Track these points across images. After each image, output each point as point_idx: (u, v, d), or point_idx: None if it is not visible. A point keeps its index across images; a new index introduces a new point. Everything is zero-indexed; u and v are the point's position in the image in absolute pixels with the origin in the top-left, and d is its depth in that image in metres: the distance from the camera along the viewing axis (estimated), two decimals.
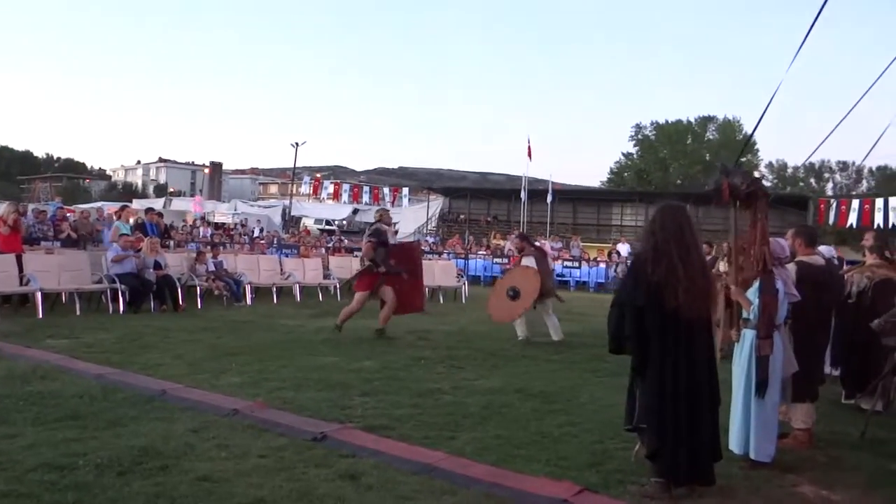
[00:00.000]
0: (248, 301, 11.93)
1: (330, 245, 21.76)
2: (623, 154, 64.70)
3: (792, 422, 4.77)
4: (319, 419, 4.85)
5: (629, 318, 3.63)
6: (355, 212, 47.27)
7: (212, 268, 12.02)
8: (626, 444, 4.50)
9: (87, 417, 4.72)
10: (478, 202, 48.39)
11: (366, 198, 48.81)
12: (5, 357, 6.55)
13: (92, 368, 6.18)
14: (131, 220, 13.19)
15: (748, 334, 4.23)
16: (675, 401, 3.52)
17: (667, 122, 62.09)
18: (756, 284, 4.24)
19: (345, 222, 52.63)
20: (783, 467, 4.28)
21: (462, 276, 15.52)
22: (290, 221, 41.70)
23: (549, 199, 35.58)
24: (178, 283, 10.90)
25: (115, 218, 13.47)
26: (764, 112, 5.13)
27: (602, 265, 20.32)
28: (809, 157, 61.74)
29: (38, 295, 9.33)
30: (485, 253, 21.58)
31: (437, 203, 47.94)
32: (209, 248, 13.17)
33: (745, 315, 4.26)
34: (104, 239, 12.81)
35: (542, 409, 5.44)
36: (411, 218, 43.93)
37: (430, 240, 30.77)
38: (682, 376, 3.51)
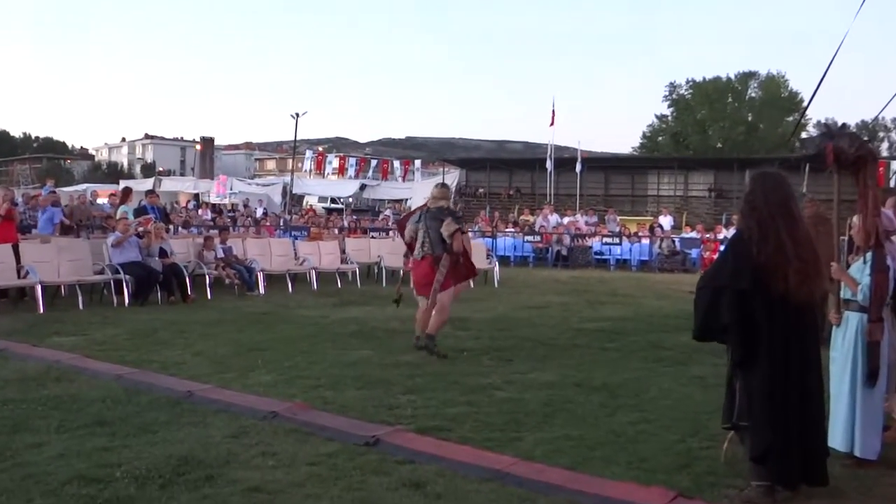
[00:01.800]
0: (261, 290, 11.99)
1: (345, 225, 21.77)
2: (656, 116, 63.81)
3: (894, 413, 4.67)
4: (367, 421, 4.83)
5: (730, 304, 3.51)
6: (363, 188, 47.21)
7: (220, 254, 12.05)
8: (710, 443, 4.44)
9: (114, 423, 4.73)
10: (498, 174, 48.13)
11: (373, 172, 49.07)
12: (14, 358, 6.59)
13: (109, 368, 6.20)
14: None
15: (852, 317, 4.12)
16: (786, 395, 3.43)
17: (704, 79, 61.03)
18: (859, 261, 4.12)
19: (351, 199, 52.81)
20: (890, 464, 4.20)
21: (491, 257, 15.46)
22: (293, 200, 41.75)
23: (577, 168, 35.36)
24: (185, 272, 10.92)
25: (117, 202, 13.48)
26: (827, 69, 4.95)
27: (645, 241, 20.15)
28: (882, 110, 60.20)
29: (38, 288, 9.38)
30: (513, 230, 21.45)
31: (452, 176, 47.70)
32: (218, 232, 13.13)
33: (847, 296, 4.15)
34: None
35: (609, 404, 5.39)
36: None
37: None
38: (792, 367, 3.42)
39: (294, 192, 42.75)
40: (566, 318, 9.82)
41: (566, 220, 23.09)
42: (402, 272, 11.44)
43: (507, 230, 21.64)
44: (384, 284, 13.50)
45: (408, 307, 9.04)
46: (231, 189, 39.59)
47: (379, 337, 7.98)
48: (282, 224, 21.91)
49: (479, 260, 14.65)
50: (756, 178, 3.65)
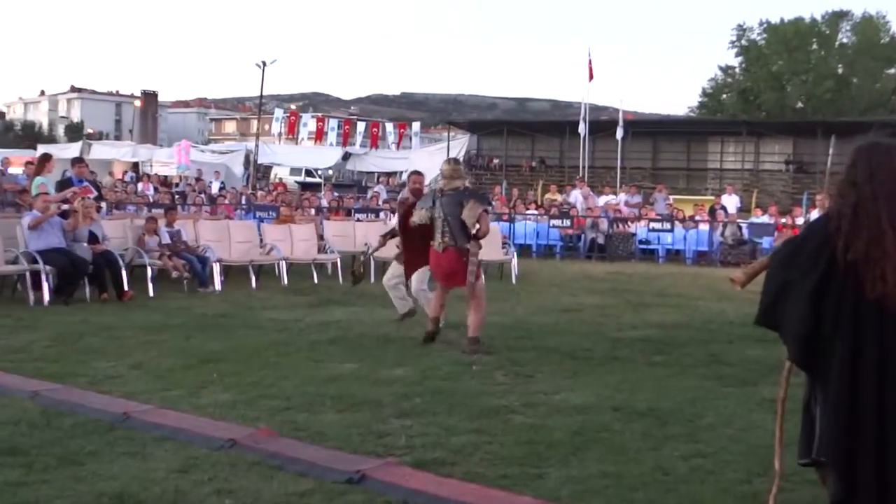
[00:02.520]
0: (218, 285, 12.07)
1: (324, 204, 21.87)
2: (720, 68, 63.63)
3: None
4: (349, 452, 4.85)
5: (797, 305, 3.53)
6: (346, 157, 47.36)
7: (166, 239, 12.10)
8: (782, 483, 4.46)
9: (29, 453, 4.76)
10: (518, 140, 48.35)
11: (360, 137, 49.19)
12: None
13: (23, 384, 6.24)
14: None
15: None
16: (876, 426, 3.43)
17: (782, 21, 60.65)
18: None
19: (332, 172, 53.00)
20: None
21: (508, 246, 15.51)
22: (258, 172, 41.86)
23: (618, 133, 35.41)
24: (121, 262, 10.97)
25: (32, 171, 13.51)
26: None
27: (703, 227, 20.18)
28: None
29: None
30: (536, 213, 21.50)
31: (460, 142, 47.79)
32: (164, 212, 13.21)
33: None
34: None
35: (655, 433, 5.41)
36: (425, 164, 43.73)
37: None
38: (888, 391, 3.42)
39: (259, 161, 42.82)
40: (602, 324, 9.87)
41: (603, 199, 23.18)
42: (367, 252, 11.60)
43: (528, 212, 21.69)
44: (373, 279, 13.54)
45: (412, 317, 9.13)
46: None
47: (366, 346, 8.02)
48: (244, 202, 21.98)
49: (493, 249, 14.76)
50: (863, 149, 3.63)
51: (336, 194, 26.25)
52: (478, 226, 8.04)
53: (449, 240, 8.04)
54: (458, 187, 8.16)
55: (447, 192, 8.14)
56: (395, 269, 9.47)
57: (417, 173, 10.09)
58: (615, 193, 25.91)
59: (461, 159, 48.08)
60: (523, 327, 9.39)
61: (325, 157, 46.53)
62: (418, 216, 8.34)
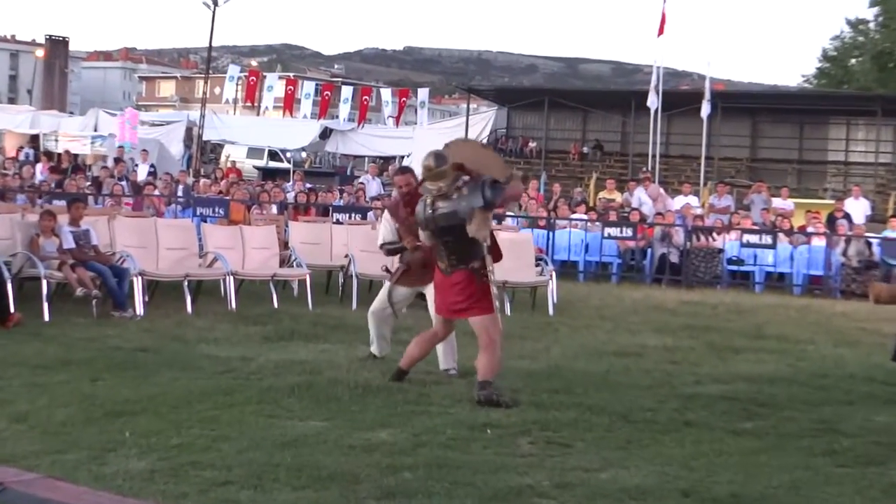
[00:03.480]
0: (140, 307, 12.15)
1: (290, 199, 21.98)
2: (848, 23, 63.48)
3: None
4: None
5: None
6: (326, 134, 47.67)
7: (69, 243, 12.15)
8: None
9: None
10: (563, 116, 48.59)
11: (345, 108, 49.39)
12: None
13: None
14: None
15: None
16: None
17: None
18: None
19: (305, 155, 53.32)
20: None
21: (544, 264, 15.51)
22: (202, 153, 42.09)
23: (704, 110, 35.41)
24: (5, 274, 11.01)
25: None
26: None
27: (818, 242, 20.15)
28: None
29: None
30: (585, 217, 21.54)
31: (483, 118, 48.11)
32: (67, 205, 13.27)
33: None
34: None
35: None
36: (436, 147, 43.43)
37: None
38: None
39: (206, 138, 43.11)
40: (672, 375, 9.88)
41: (680, 201, 23.17)
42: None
43: (574, 217, 21.70)
44: (354, 305, 13.56)
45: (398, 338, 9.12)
46: (96, 131, 39.82)
47: (340, 397, 8.03)
48: (181, 194, 22.05)
49: (522, 266, 14.77)
50: None
51: (309, 186, 26.32)
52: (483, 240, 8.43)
53: (456, 262, 8.34)
54: (450, 194, 8.27)
55: (437, 205, 8.33)
56: (393, 295, 9.51)
57: (405, 171, 9.97)
58: (696, 193, 25.93)
59: (483, 138, 48.35)
60: (561, 376, 9.39)
61: (295, 133, 46.81)
62: (423, 237, 8.71)
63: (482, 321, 8.35)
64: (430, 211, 8.40)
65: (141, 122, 43.70)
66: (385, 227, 9.74)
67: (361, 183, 26.47)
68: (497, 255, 8.78)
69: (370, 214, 19.36)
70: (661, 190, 23.57)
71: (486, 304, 8.38)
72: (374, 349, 9.79)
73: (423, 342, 8.89)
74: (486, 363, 8.23)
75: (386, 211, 10.11)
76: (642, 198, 22.66)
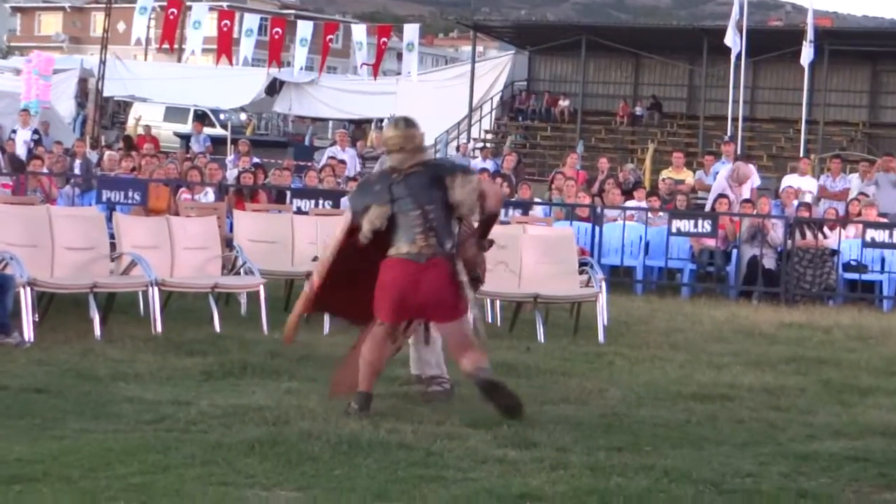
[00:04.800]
0: (29, 331, 12.13)
1: (231, 180, 21.97)
2: None
3: None
4: None
5: None
6: (275, 89, 47.65)
7: None
8: None
9: None
10: (608, 63, 48.57)
11: (302, 51, 49.11)
12: None
13: None
14: None
15: None
16: None
17: None
18: None
19: (247, 117, 53.11)
20: None
21: (591, 271, 15.49)
22: (104, 113, 42.03)
23: (805, 55, 35.38)
24: None
25: None
26: None
27: None
28: None
29: None
30: (643, 206, 21.55)
31: (494, 66, 48.11)
32: None
33: None
34: None
35: None
36: (428, 106, 43.86)
37: (483, 164, 31.05)
38: None
39: (108, 94, 43.07)
40: (776, 426, 9.90)
41: (785, 183, 23.04)
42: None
43: (627, 205, 21.73)
44: (328, 327, 13.55)
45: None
46: None
47: (318, 457, 8.03)
48: (78, 170, 22.03)
49: (562, 275, 14.76)
50: None
51: (254, 161, 26.29)
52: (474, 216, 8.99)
53: (434, 244, 8.79)
54: (424, 161, 8.65)
55: (410, 172, 8.94)
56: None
57: (409, 124, 10.16)
58: (797, 171, 25.85)
59: (497, 92, 48.31)
60: (622, 428, 9.48)
61: (232, 87, 46.84)
62: (369, 220, 9.04)
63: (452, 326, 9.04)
64: (396, 178, 9.03)
65: (14, 70, 43.67)
66: None
67: (332, 157, 26.42)
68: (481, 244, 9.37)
69: (345, 201, 19.43)
70: (750, 168, 23.44)
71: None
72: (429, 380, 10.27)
73: (373, 352, 9.43)
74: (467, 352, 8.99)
75: None
76: (723, 178, 22.40)
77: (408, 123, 9.37)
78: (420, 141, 9.28)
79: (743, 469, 8.29)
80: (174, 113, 47.93)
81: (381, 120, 45.33)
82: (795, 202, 21.60)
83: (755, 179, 23.16)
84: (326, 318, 13.62)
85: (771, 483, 7.99)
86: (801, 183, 23.11)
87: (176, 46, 51.46)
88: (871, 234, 19.73)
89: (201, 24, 48.15)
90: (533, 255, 14.95)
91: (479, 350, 9.12)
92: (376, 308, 9.27)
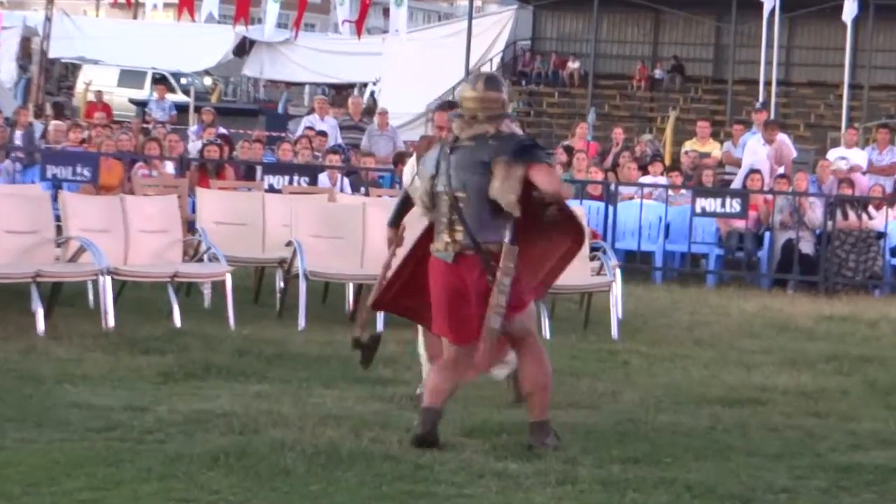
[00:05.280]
0: None
1: (193, 153, 21.98)
2: None
3: None
4: None
5: None
6: (244, 49, 47.60)
7: None
8: None
9: None
10: (622, 19, 48.51)
11: (274, 7, 48.99)
12: None
13: None
14: None
15: None
16: None
17: None
18: None
19: (211, 81, 53.04)
20: None
21: (604, 257, 15.49)
22: (50, 77, 41.99)
23: (847, 10, 35.43)
24: None
25: None
26: None
27: None
28: None
29: None
30: (663, 182, 21.55)
31: (495, 23, 48.05)
32: None
33: None
34: None
35: None
36: (419, 68, 43.72)
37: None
38: None
39: (53, 54, 43.02)
40: (814, 434, 9.89)
41: (830, 157, 23.03)
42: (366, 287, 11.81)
43: (644, 181, 21.73)
44: (303, 322, 13.57)
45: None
46: None
47: (292, 471, 8.02)
48: (19, 142, 21.99)
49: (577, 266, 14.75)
50: None
51: (220, 132, 26.22)
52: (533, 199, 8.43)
53: (463, 238, 8.34)
54: (484, 133, 8.28)
55: (461, 145, 8.45)
56: None
57: (490, 85, 9.94)
58: (838, 143, 25.87)
59: (498, 59, 48.23)
60: (639, 437, 9.45)
61: (195, 48, 46.75)
62: (417, 195, 8.77)
63: (516, 335, 8.64)
64: (447, 151, 8.52)
65: None
66: (408, 171, 10.33)
67: (309, 127, 26.36)
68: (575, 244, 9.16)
69: (324, 177, 19.39)
70: (785, 138, 23.43)
71: (517, 305, 8.57)
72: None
73: (438, 379, 8.97)
74: (538, 399, 8.75)
75: (414, 155, 10.55)
76: (756, 150, 22.51)
77: (489, 84, 8.78)
78: (501, 107, 8.71)
79: (776, 484, 8.29)
80: (129, 77, 47.83)
81: (365, 84, 45.26)
82: (832, 177, 21.55)
83: (791, 151, 23.16)
84: (302, 308, 13.66)
85: (808, 499, 8.00)
86: (849, 156, 22.95)
87: (132, 0, 51.41)
88: None
89: None
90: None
91: (542, 370, 8.75)
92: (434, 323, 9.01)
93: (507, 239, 8.31)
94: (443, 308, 8.64)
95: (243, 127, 33.67)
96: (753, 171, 21.44)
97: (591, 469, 8.36)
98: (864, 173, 22.59)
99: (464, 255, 8.34)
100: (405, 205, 9.58)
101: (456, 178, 8.36)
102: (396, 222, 9.57)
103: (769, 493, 8.07)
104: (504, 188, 8.18)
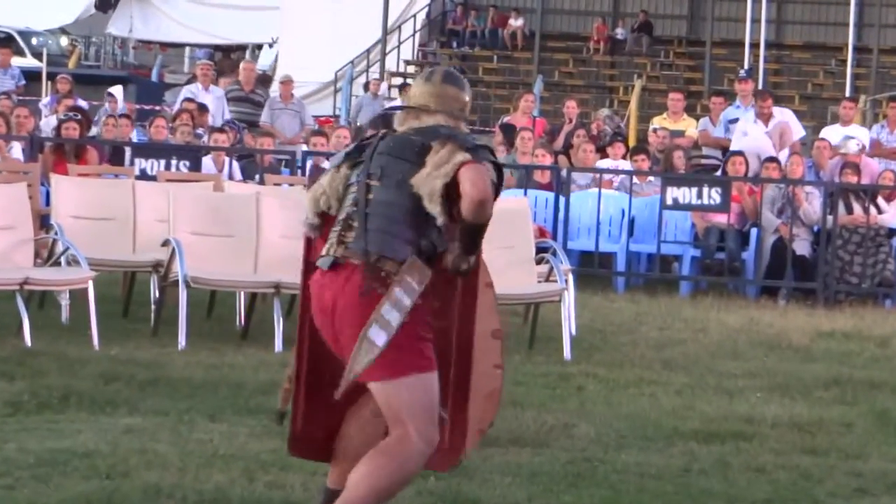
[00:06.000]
0: None
1: (48, 126, 21.80)
2: None
3: None
4: None
5: None
6: (109, 3, 47.53)
7: None
8: None
9: None
10: None
11: None
12: None
13: None
14: None
15: None
16: None
17: None
18: None
19: (68, 43, 53.07)
20: None
21: (553, 259, 15.56)
22: None
23: None
24: None
25: None
26: None
27: None
28: None
29: None
30: (627, 168, 21.68)
31: None
32: None
33: None
34: None
35: None
36: (326, 27, 43.67)
37: None
38: None
39: None
40: (810, 475, 9.95)
41: (825, 136, 23.14)
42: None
43: (603, 166, 21.86)
44: (183, 341, 13.57)
45: None
46: None
47: None
48: None
49: (513, 264, 14.81)
50: None
51: (82, 103, 26.19)
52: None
53: (355, 242, 7.80)
54: (434, 124, 8.13)
55: (398, 134, 8.18)
56: None
57: (448, 79, 10.00)
58: (842, 122, 26.04)
59: (425, 13, 48.31)
60: (596, 480, 9.44)
61: (50, 0, 46.74)
62: (311, 196, 8.18)
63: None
64: (381, 136, 8.14)
65: None
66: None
67: (190, 99, 26.34)
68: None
69: (208, 161, 19.42)
70: (791, 116, 23.51)
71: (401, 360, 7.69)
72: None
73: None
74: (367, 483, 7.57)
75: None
76: (749, 129, 22.62)
77: (448, 78, 8.49)
78: (459, 107, 8.32)
79: None
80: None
81: (259, 47, 45.24)
82: (836, 159, 21.67)
83: (798, 130, 23.28)
84: (182, 323, 13.68)
85: None
86: (857, 135, 23.09)
87: None
88: None
89: None
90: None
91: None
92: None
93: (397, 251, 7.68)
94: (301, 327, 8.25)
95: (112, 101, 33.60)
96: (736, 153, 21.54)
97: None
98: (869, 156, 22.65)
99: (342, 264, 7.72)
100: None
101: (375, 162, 7.92)
102: None
103: None
104: (433, 175, 7.65)
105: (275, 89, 28.83)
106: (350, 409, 8.01)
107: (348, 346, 7.52)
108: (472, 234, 7.73)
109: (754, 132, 22.20)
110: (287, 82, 28.07)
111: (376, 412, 7.67)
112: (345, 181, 8.01)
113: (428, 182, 7.63)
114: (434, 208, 7.60)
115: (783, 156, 21.73)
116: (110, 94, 28.99)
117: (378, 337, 7.38)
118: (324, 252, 7.85)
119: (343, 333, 7.62)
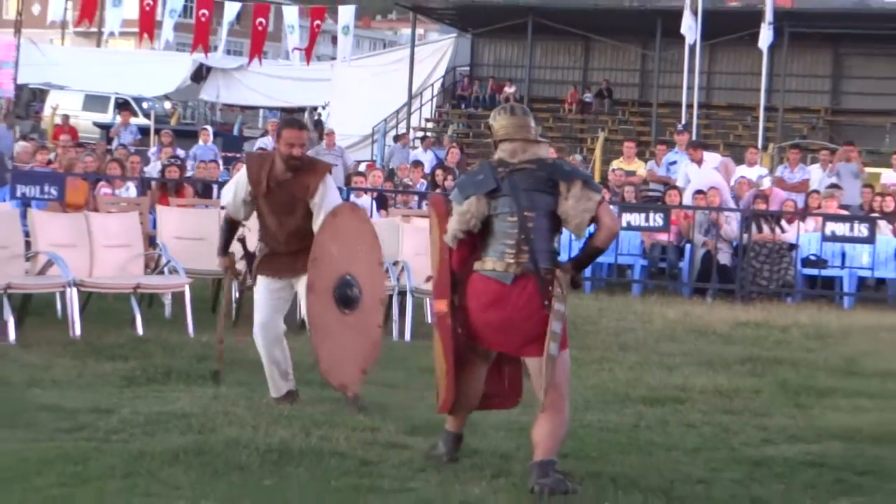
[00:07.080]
0: None
1: (153, 172, 21.84)
2: None
3: None
4: None
5: None
6: (201, 74, 47.37)
7: None
8: None
9: None
10: (555, 46, 48.60)
11: (227, 36, 48.81)
12: None
13: None
14: None
15: None
16: None
17: None
18: None
19: (170, 105, 52.79)
20: None
21: None
22: (19, 102, 41.69)
23: (764, 38, 35.49)
24: None
25: None
26: None
27: None
28: None
29: None
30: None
31: (436, 50, 48.05)
32: None
33: None
34: None
35: None
36: (365, 93, 43.67)
37: (424, 154, 30.99)
38: None
39: (21, 80, 42.74)
40: (729, 430, 10.01)
41: (737, 175, 23.16)
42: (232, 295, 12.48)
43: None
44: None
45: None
46: None
47: (246, 467, 8.07)
48: None
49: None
50: None
51: (183, 153, 26.16)
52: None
53: (528, 261, 7.85)
54: (540, 157, 8.13)
55: (520, 167, 8.10)
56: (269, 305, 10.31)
57: (301, 127, 10.08)
58: (748, 163, 25.92)
59: (439, 85, 48.26)
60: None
61: (156, 73, 46.52)
62: (461, 217, 8.07)
63: (556, 368, 7.91)
64: (503, 172, 8.09)
65: None
66: (231, 190, 10.38)
67: (263, 148, 26.23)
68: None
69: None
70: (730, 160, 23.70)
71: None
72: (274, 392, 10.29)
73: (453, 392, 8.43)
74: (554, 436, 7.95)
75: (244, 167, 10.55)
76: (689, 172, 22.39)
77: (521, 110, 8.57)
78: (534, 133, 8.34)
79: (693, 475, 8.40)
80: (94, 101, 47.39)
81: (315, 108, 45.15)
82: (751, 191, 21.70)
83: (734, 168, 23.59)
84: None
85: (723, 490, 8.09)
86: (751, 174, 23.15)
87: (94, 29, 51.10)
88: (832, 227, 19.74)
89: (122, 3, 47.66)
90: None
91: (562, 414, 8.08)
92: (473, 335, 8.27)
93: (550, 265, 7.91)
94: (488, 322, 8.09)
95: (203, 151, 33.53)
96: (672, 187, 21.79)
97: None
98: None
99: (523, 277, 7.83)
100: (231, 229, 10.51)
101: (524, 198, 7.91)
102: (226, 250, 10.54)
103: (686, 484, 8.15)
104: (578, 208, 7.84)
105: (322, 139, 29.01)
106: (471, 380, 8.41)
107: (525, 334, 7.95)
108: (596, 255, 8.43)
109: (700, 172, 22.07)
110: (331, 134, 29.00)
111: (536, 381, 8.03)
112: (487, 209, 8.02)
113: (577, 216, 7.91)
114: (581, 235, 8.10)
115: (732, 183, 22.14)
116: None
117: (554, 349, 7.81)
118: (498, 268, 7.93)
119: (524, 329, 7.93)
